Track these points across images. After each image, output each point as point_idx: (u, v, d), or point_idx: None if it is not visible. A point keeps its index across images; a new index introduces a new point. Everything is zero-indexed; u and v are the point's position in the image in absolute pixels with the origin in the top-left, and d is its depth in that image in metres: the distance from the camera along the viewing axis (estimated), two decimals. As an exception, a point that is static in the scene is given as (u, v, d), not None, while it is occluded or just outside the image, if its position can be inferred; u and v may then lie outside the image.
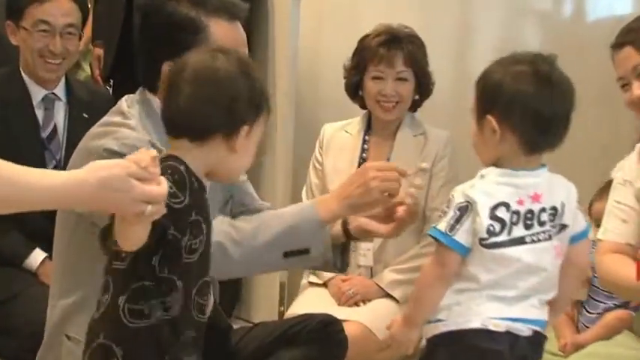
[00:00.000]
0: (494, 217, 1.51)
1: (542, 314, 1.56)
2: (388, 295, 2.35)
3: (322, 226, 1.60)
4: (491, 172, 1.54)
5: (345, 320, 2.06)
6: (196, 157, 1.31)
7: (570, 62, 1.62)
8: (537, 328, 1.55)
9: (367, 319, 2.26)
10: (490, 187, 1.52)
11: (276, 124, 2.75)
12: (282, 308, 2.60)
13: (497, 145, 1.54)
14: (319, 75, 2.97)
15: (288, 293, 2.72)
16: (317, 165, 2.49)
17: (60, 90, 2.29)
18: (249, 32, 2.72)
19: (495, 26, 2.87)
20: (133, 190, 1.13)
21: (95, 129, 1.62)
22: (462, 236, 1.51)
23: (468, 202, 1.51)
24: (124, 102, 1.67)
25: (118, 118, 1.63)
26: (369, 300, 2.35)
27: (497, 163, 1.55)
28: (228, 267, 1.56)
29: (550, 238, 1.54)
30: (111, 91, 2.77)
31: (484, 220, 1.50)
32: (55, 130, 2.27)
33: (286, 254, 1.58)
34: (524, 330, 1.53)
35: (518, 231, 1.52)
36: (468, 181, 1.55)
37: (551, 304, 1.58)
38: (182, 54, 1.53)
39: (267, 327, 1.90)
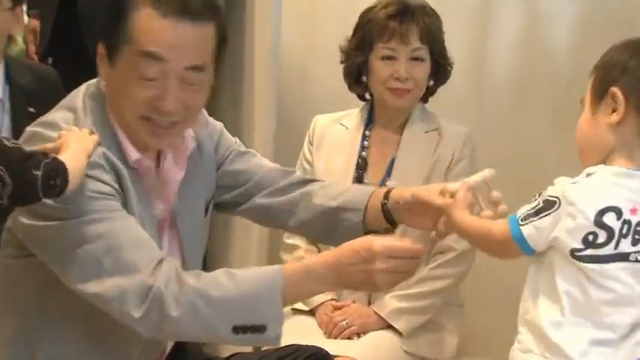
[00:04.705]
0: (600, 223, 1.50)
1: None
2: (390, 326, 2.34)
3: (282, 302, 1.56)
4: (603, 170, 1.54)
5: (337, 356, 2.06)
6: None
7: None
8: None
9: (364, 355, 2.24)
10: (599, 187, 1.52)
11: (254, 120, 2.73)
12: (258, 340, 2.56)
13: (614, 131, 1.53)
14: (306, 60, 2.95)
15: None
16: (306, 165, 2.47)
17: None
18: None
19: (518, 12, 2.88)
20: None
21: (31, 128, 1.62)
22: (529, 231, 1.52)
23: (558, 198, 1.51)
24: (81, 94, 1.68)
25: (64, 113, 1.63)
26: (366, 332, 2.33)
27: (607, 160, 1.55)
28: (161, 326, 1.55)
29: None
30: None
31: (581, 227, 1.49)
32: None
33: (236, 329, 1.54)
34: None
35: (625, 245, 1.52)
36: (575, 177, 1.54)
37: None
38: (111, 36, 1.62)
39: (241, 361, 1.92)
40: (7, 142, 1.41)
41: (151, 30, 1.60)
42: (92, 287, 1.55)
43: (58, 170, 1.44)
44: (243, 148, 1.92)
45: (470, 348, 2.53)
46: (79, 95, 1.68)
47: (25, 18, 2.87)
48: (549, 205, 1.52)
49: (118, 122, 1.66)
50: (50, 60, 2.83)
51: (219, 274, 1.58)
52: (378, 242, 1.56)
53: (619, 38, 1.67)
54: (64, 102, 1.68)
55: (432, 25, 2.36)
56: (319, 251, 2.42)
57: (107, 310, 1.57)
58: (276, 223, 1.94)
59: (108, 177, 1.60)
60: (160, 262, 1.57)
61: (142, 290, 1.54)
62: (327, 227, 1.85)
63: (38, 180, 1.41)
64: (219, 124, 1.91)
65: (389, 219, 1.82)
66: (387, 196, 1.82)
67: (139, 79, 1.61)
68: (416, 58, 2.35)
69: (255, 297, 1.54)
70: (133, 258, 1.55)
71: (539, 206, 1.53)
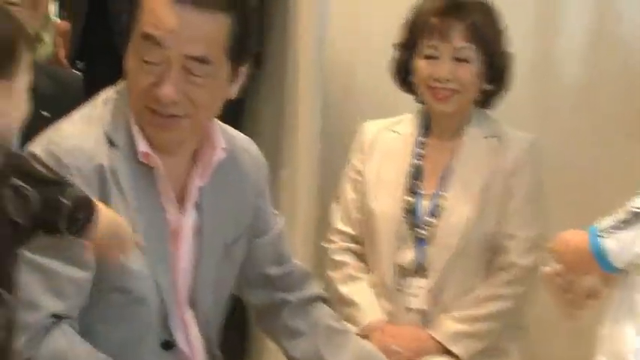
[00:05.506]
0: None
1: None
2: (447, 351, 2.26)
3: None
4: None
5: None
6: None
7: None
8: None
9: (419, 384, 2.18)
10: None
11: (297, 126, 2.68)
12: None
13: None
14: (355, 59, 2.89)
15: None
16: (354, 175, 2.38)
17: None
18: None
19: (588, 4, 2.78)
20: None
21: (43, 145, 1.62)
22: (610, 245, 1.48)
23: None
24: (112, 88, 1.72)
25: (86, 111, 1.68)
26: (421, 357, 2.25)
27: None
28: None
29: None
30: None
31: None
32: None
33: None
34: None
35: None
36: None
37: None
38: (130, 21, 1.65)
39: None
40: (36, 165, 1.37)
41: (154, 12, 1.61)
42: None
43: (87, 206, 1.38)
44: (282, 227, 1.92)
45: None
46: (109, 89, 1.71)
47: (56, 20, 2.87)
48: (635, 218, 1.45)
49: (132, 113, 1.66)
50: (81, 64, 2.80)
51: None
52: None
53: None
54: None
55: (483, 22, 2.27)
56: (367, 269, 2.34)
57: None
58: (272, 333, 1.94)
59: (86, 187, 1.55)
60: (48, 330, 1.55)
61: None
62: None
63: (65, 209, 1.35)
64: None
65: None
66: None
67: (140, 62, 1.62)
68: (460, 59, 2.26)
69: None
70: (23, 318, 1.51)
71: (622, 218, 1.47)
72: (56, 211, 1.36)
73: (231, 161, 1.76)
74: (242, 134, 1.86)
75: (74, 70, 2.73)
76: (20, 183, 1.33)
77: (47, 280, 1.57)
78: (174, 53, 1.60)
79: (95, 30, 2.70)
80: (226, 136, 1.75)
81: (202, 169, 1.72)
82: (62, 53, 2.90)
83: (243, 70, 1.69)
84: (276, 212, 1.93)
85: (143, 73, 1.62)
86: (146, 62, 1.61)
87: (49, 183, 1.37)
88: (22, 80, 1.41)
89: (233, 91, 1.69)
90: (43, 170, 1.37)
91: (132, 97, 1.65)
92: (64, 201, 1.36)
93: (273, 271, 1.88)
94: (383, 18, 2.69)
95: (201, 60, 1.60)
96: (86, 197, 1.40)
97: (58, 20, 2.87)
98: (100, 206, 1.42)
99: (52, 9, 2.78)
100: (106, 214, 1.42)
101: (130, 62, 1.64)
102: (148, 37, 1.61)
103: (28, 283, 1.53)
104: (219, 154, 1.72)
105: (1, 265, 1.35)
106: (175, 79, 1.60)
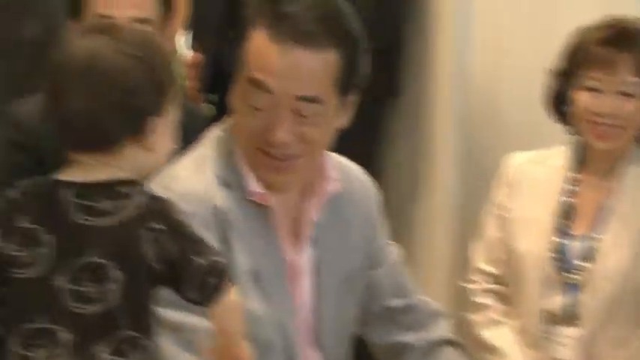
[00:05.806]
0: None
1: None
2: None
3: None
4: None
5: None
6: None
7: None
8: None
9: None
10: None
11: (435, 159, 2.67)
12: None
13: None
14: (496, 91, 2.83)
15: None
16: (498, 211, 2.27)
17: None
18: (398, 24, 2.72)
19: None
20: None
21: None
22: None
23: None
24: (220, 126, 1.71)
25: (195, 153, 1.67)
26: None
27: None
28: None
29: None
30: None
31: None
32: None
33: None
34: None
35: None
36: None
37: None
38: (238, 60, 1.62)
39: None
40: (176, 214, 1.35)
41: (260, 55, 1.59)
42: None
43: (220, 273, 1.33)
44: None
45: None
46: (217, 128, 1.70)
47: (189, 52, 2.92)
48: None
49: (242, 154, 1.65)
50: (213, 97, 2.82)
51: None
52: None
53: None
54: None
55: None
56: (511, 313, 2.23)
57: None
58: None
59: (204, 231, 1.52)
60: None
61: None
62: None
63: (200, 268, 1.31)
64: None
65: None
66: None
67: (248, 107, 1.59)
68: (627, 93, 2.13)
69: None
70: None
71: None
72: (188, 267, 1.32)
73: (344, 192, 1.74)
74: (354, 164, 1.81)
75: (206, 103, 2.77)
76: (161, 227, 1.31)
77: (186, 337, 1.53)
78: (284, 97, 1.57)
79: (227, 62, 2.74)
80: (338, 166, 1.74)
81: (315, 203, 1.70)
82: (193, 85, 2.92)
83: (351, 99, 1.65)
84: (391, 242, 1.89)
85: (252, 117, 1.60)
86: (254, 107, 1.59)
87: (188, 237, 1.33)
88: (171, 116, 1.39)
89: (343, 121, 1.66)
90: (183, 221, 1.34)
91: (242, 139, 1.63)
92: (200, 260, 1.32)
93: (395, 303, 1.84)
94: (528, 44, 2.66)
95: (312, 100, 1.58)
96: (223, 264, 1.36)
97: (191, 52, 2.92)
98: (232, 283, 1.36)
99: (182, 40, 2.83)
100: (235, 292, 1.37)
101: (237, 104, 1.62)
102: (254, 82, 1.58)
103: (167, 341, 1.49)
104: (332, 186, 1.70)
105: (136, 310, 1.31)
106: (287, 122, 1.58)
